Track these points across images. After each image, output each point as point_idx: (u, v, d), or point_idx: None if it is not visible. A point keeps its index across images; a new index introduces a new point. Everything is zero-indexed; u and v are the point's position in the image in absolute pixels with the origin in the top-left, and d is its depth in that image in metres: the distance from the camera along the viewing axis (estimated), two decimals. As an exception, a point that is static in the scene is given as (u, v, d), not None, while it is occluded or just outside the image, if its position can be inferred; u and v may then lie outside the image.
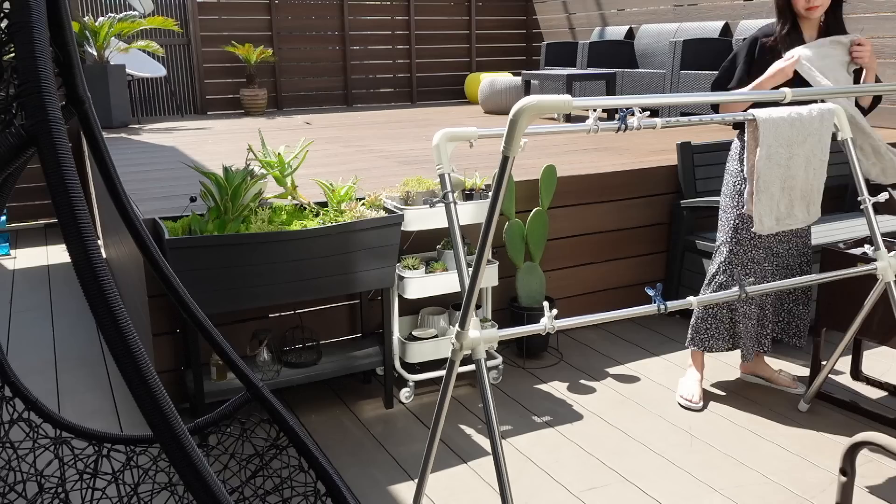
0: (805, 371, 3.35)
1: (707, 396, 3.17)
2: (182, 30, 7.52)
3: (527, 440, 2.84)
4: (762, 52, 2.84)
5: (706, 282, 3.08)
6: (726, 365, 3.46)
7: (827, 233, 3.84)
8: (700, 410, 3.04)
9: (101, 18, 6.22)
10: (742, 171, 2.91)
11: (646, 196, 3.99)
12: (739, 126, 2.93)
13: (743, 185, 2.90)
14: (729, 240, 2.98)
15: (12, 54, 1.06)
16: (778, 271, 3.04)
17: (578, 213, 3.85)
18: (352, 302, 3.36)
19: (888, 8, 5.16)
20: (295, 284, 2.79)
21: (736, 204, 2.96)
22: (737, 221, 2.97)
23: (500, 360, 3.35)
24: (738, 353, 3.59)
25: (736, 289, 2.35)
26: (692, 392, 3.10)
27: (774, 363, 3.48)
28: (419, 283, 3.07)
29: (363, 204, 3.03)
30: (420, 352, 3.15)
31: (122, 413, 3.11)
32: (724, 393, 3.20)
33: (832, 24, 2.84)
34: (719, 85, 2.96)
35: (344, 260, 2.84)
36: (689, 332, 3.11)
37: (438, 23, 8.73)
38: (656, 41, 6.90)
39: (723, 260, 3.00)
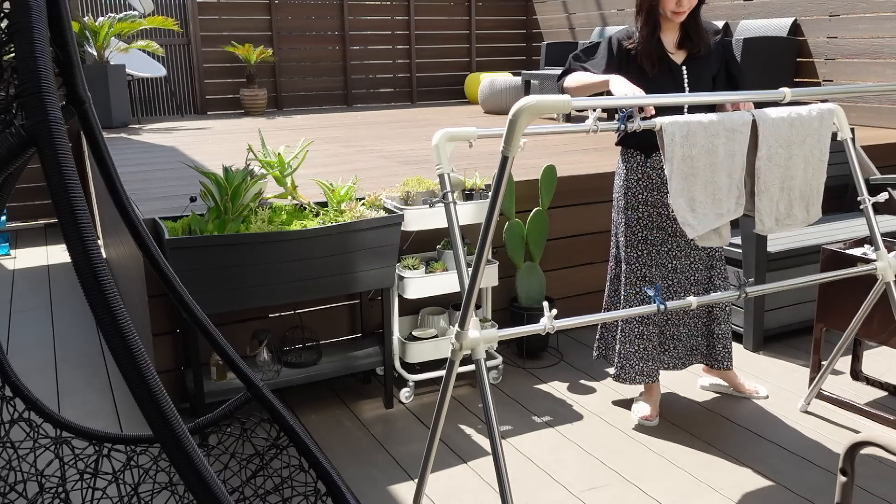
0: (805, 371, 3.35)
1: (707, 396, 3.17)
2: (182, 30, 7.52)
3: (527, 440, 2.84)
4: (621, 54, 2.73)
5: (611, 301, 2.99)
6: (726, 365, 3.47)
7: (827, 233, 3.85)
8: (656, 425, 2.93)
9: (101, 18, 6.22)
10: (622, 185, 2.83)
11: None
12: (624, 143, 2.82)
13: (622, 201, 2.83)
14: (621, 259, 2.88)
15: (12, 54, 1.06)
16: (683, 289, 2.86)
17: (578, 213, 3.85)
18: (352, 302, 3.36)
19: (888, 8, 5.16)
20: (295, 284, 2.79)
21: (624, 220, 2.83)
22: (621, 239, 2.87)
23: (500, 360, 3.35)
24: (739, 347, 3.60)
25: (734, 291, 2.34)
26: (646, 410, 2.97)
27: (774, 363, 3.48)
28: (419, 283, 3.07)
29: (363, 204, 3.03)
30: (420, 352, 3.15)
31: (123, 413, 3.11)
32: (723, 393, 3.19)
33: (692, 28, 2.74)
34: (567, 69, 2.86)
35: (344, 260, 2.85)
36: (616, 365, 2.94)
37: (438, 23, 8.73)
38: (656, 41, 6.89)
39: (625, 280, 2.86)
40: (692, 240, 2.70)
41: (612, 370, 2.99)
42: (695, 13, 2.74)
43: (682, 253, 2.85)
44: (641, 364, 2.88)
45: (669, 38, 2.75)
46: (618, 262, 2.94)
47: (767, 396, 3.14)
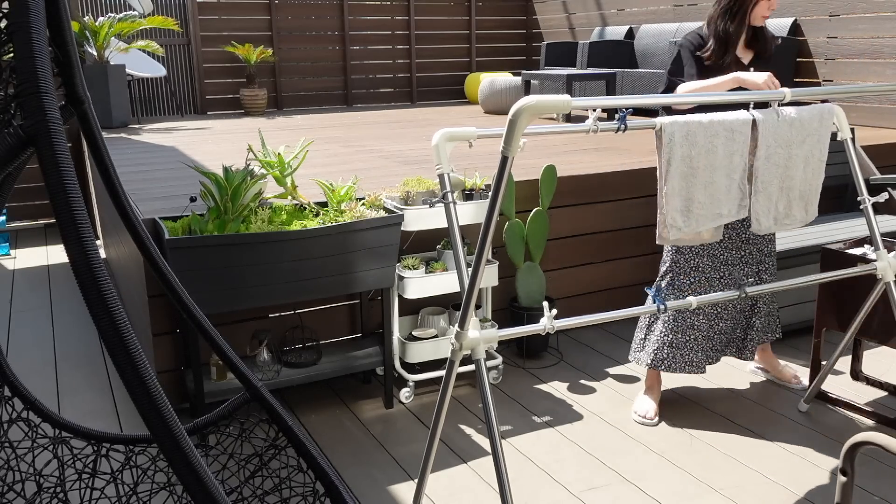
0: (805, 371, 3.35)
1: (707, 396, 3.17)
2: (182, 30, 7.52)
3: (527, 440, 2.84)
4: (698, 62, 2.84)
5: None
6: (726, 364, 3.46)
7: (827, 233, 3.84)
8: (656, 425, 2.93)
9: (101, 18, 6.22)
10: None
11: (646, 196, 3.99)
12: None
13: None
14: (670, 247, 2.92)
15: (11, 54, 1.06)
16: (733, 280, 2.91)
17: (578, 213, 3.85)
18: (352, 302, 3.36)
19: (888, 8, 5.16)
20: (295, 284, 2.79)
21: None
22: None
23: (500, 360, 3.35)
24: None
25: (734, 291, 2.34)
26: (647, 408, 2.98)
27: (774, 363, 3.48)
28: (419, 283, 3.07)
29: (363, 204, 3.03)
30: (420, 352, 3.15)
31: (122, 413, 3.11)
32: (723, 393, 3.19)
33: (759, 31, 2.86)
34: (668, 86, 2.91)
35: (344, 260, 2.84)
36: (655, 352, 2.94)
37: (438, 23, 8.73)
38: (656, 41, 6.90)
39: (666, 269, 2.91)
40: (746, 233, 2.89)
41: (646, 358, 2.95)
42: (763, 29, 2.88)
43: (734, 245, 2.91)
44: (692, 354, 2.91)
45: (747, 58, 2.89)
46: (669, 250, 2.96)
47: (801, 385, 3.19)
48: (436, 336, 3.22)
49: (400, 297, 3.16)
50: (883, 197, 2.65)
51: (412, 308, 3.40)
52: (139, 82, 7.51)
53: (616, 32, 7.39)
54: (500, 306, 3.64)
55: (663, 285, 2.91)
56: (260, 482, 1.66)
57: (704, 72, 2.82)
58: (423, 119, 6.83)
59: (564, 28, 8.36)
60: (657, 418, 2.96)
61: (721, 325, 2.98)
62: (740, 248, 2.94)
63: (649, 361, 2.94)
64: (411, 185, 3.16)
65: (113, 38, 6.26)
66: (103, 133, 1.47)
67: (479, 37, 8.90)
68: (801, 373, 3.36)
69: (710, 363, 3.00)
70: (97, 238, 5.53)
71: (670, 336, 2.91)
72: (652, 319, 2.99)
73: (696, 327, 2.92)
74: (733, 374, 3.38)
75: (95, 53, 6.17)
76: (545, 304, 2.05)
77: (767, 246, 3.00)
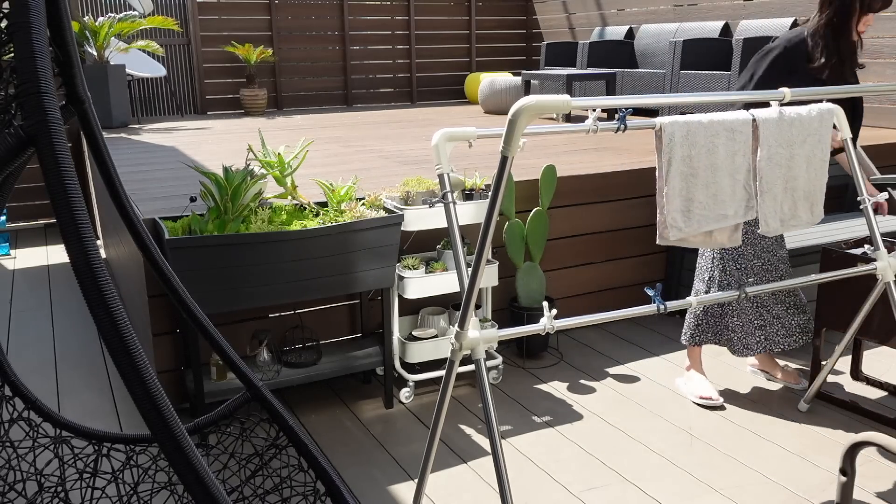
0: (805, 371, 3.35)
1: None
2: (182, 30, 7.52)
3: (527, 440, 2.84)
4: (793, 69, 2.85)
5: (703, 280, 3.08)
6: (727, 365, 3.46)
7: (827, 233, 3.84)
8: (723, 407, 3.05)
9: (101, 18, 6.22)
10: None
11: (646, 196, 3.99)
12: None
13: None
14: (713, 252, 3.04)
15: (12, 54, 1.06)
16: (774, 267, 3.05)
17: (578, 213, 3.85)
18: (352, 302, 3.36)
19: (888, 8, 5.15)
20: (295, 284, 2.79)
21: None
22: None
23: (499, 360, 3.35)
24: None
25: (734, 290, 2.34)
26: (709, 391, 3.09)
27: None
28: (419, 283, 3.07)
29: (363, 204, 3.03)
30: (420, 352, 3.15)
31: (122, 413, 3.11)
32: (724, 393, 3.19)
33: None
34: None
35: (344, 260, 2.85)
36: (688, 329, 3.12)
37: (438, 23, 8.73)
38: (656, 41, 6.90)
39: (716, 255, 3.02)
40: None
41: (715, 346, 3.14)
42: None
43: (758, 252, 3.01)
44: (760, 333, 3.03)
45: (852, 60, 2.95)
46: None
47: (801, 387, 3.20)
48: (436, 336, 3.22)
49: (400, 297, 3.16)
50: (883, 197, 2.65)
51: (412, 308, 3.40)
52: (139, 82, 7.51)
53: (616, 32, 7.39)
54: (500, 306, 3.64)
55: (716, 276, 3.02)
56: (261, 482, 1.66)
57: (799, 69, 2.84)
58: (423, 119, 6.84)
59: (564, 28, 8.36)
60: (721, 398, 3.08)
61: (776, 310, 3.06)
62: (760, 255, 3.03)
63: (733, 349, 3.10)
64: (411, 185, 3.16)
65: (113, 38, 6.26)
66: (103, 133, 1.47)
67: (479, 37, 8.90)
68: (800, 373, 3.36)
69: (785, 349, 3.10)
70: (97, 238, 5.53)
71: (735, 321, 3.06)
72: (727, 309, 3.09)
73: (741, 312, 3.03)
74: (733, 374, 3.38)
75: (95, 53, 6.17)
76: (545, 304, 2.05)
77: (783, 250, 3.08)
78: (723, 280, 3.02)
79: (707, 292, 3.05)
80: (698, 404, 3.08)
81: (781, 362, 3.37)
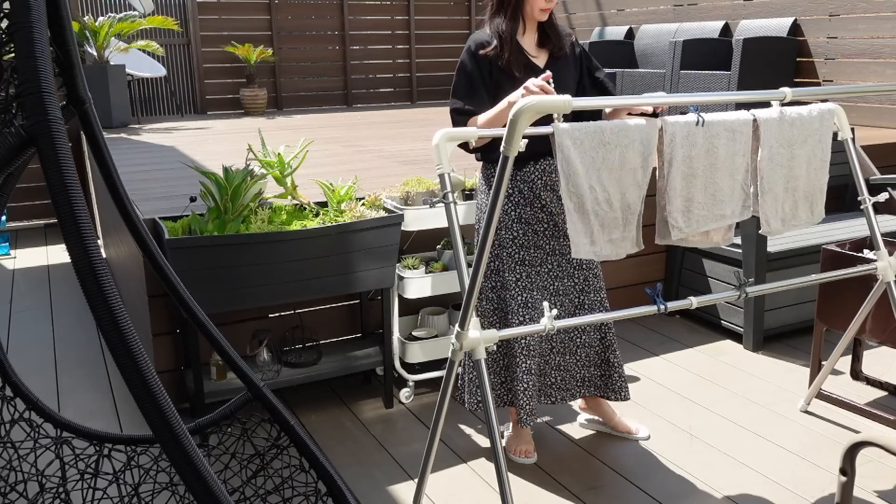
0: (805, 371, 3.35)
1: (707, 396, 3.17)
2: (182, 30, 7.52)
3: (527, 440, 2.84)
4: (482, 68, 2.50)
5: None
6: (725, 364, 3.47)
7: (827, 233, 3.85)
8: (534, 462, 2.69)
9: (101, 18, 6.22)
10: (487, 203, 2.54)
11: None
12: (486, 157, 2.59)
13: (489, 220, 2.35)
14: (497, 285, 2.58)
15: (12, 54, 1.06)
16: (567, 313, 2.62)
17: (578, 213, 3.84)
18: (352, 302, 3.36)
19: (888, 8, 5.16)
20: (295, 284, 2.79)
21: (497, 241, 2.55)
22: (496, 263, 2.57)
23: (500, 360, 3.34)
24: (739, 347, 3.60)
25: (734, 291, 2.34)
26: (525, 447, 2.71)
27: (774, 363, 3.48)
28: (419, 283, 3.07)
29: (363, 204, 3.03)
30: (420, 352, 3.15)
31: (123, 413, 3.11)
32: (724, 393, 3.20)
33: (550, 28, 2.59)
34: (459, 110, 2.61)
35: (344, 260, 2.85)
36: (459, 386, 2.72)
37: (438, 23, 8.73)
38: (656, 41, 6.90)
39: (512, 306, 2.56)
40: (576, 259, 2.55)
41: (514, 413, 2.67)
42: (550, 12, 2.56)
43: (565, 273, 2.61)
44: (530, 402, 2.59)
45: (528, 40, 2.55)
46: (501, 286, 2.58)
47: (648, 437, 2.81)
48: (436, 336, 3.22)
49: (400, 297, 3.16)
50: (883, 197, 2.65)
51: (412, 308, 3.40)
52: (139, 82, 7.51)
53: (616, 32, 7.39)
54: (500, 306, 3.64)
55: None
56: (262, 482, 1.66)
57: (485, 82, 2.51)
58: (423, 119, 6.83)
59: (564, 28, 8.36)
60: (535, 454, 2.71)
61: (558, 359, 2.68)
62: (572, 275, 2.62)
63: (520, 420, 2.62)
64: (411, 185, 3.16)
65: (113, 38, 6.26)
66: (103, 133, 1.47)
67: (479, 37, 8.90)
68: (800, 373, 3.36)
69: (556, 402, 2.72)
70: (97, 238, 5.53)
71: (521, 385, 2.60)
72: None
73: (532, 371, 2.59)
74: (733, 373, 3.38)
75: (95, 53, 6.17)
76: (545, 304, 2.05)
77: (594, 271, 2.67)
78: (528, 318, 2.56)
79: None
80: (512, 460, 2.70)
81: (618, 413, 2.89)
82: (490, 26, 2.53)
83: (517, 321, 2.54)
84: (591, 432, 2.89)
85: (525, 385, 2.57)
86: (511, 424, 2.79)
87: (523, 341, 2.55)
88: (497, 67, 2.49)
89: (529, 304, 2.55)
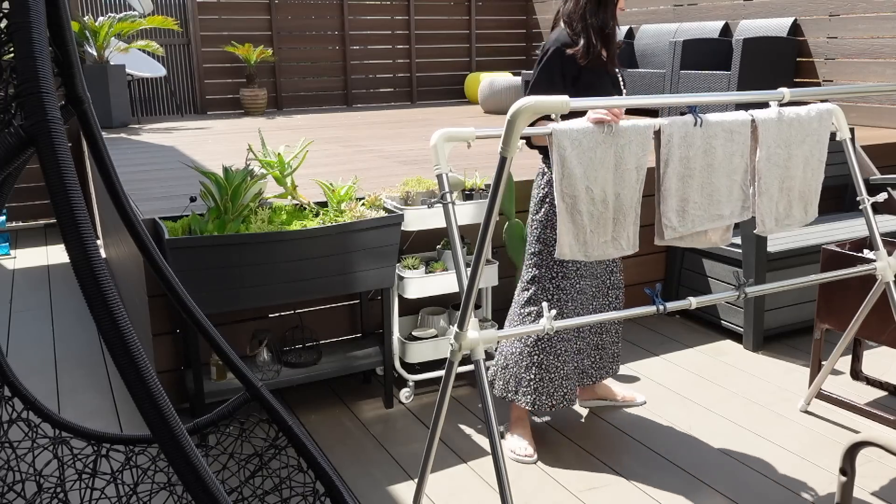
0: (805, 371, 3.35)
1: (707, 396, 3.17)
2: (182, 30, 7.52)
3: (526, 440, 2.84)
4: (566, 66, 2.50)
5: (526, 314, 2.68)
6: (725, 364, 3.47)
7: (827, 233, 3.84)
8: (535, 462, 2.70)
9: (101, 18, 6.22)
10: (546, 198, 2.59)
11: (645, 196, 3.98)
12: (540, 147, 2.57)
13: (550, 215, 2.55)
14: (556, 275, 2.64)
15: (12, 54, 1.06)
16: (585, 310, 2.72)
17: (578, 213, 3.84)
18: (352, 302, 3.36)
19: (888, 8, 5.16)
20: (295, 284, 2.79)
21: (549, 237, 2.60)
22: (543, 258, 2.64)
23: (499, 360, 3.34)
24: (739, 347, 3.60)
25: (734, 291, 2.34)
26: (524, 445, 2.74)
27: (774, 363, 3.48)
28: (419, 283, 3.07)
29: (363, 204, 3.03)
30: (420, 352, 3.15)
31: (122, 413, 3.11)
32: (724, 393, 3.20)
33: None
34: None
35: (344, 260, 2.85)
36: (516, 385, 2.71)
37: (438, 23, 8.73)
38: (656, 41, 6.90)
39: (533, 301, 2.66)
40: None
41: (525, 404, 2.70)
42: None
43: (589, 273, 2.71)
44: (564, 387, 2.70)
45: (611, 51, 2.59)
46: (562, 276, 2.65)
47: (645, 402, 3.01)
48: (436, 336, 3.22)
49: (400, 297, 3.16)
50: (882, 197, 2.65)
51: (412, 308, 3.40)
52: (139, 82, 7.51)
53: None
54: (500, 306, 3.63)
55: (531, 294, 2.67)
56: (260, 482, 1.66)
57: (566, 81, 2.51)
58: (423, 119, 6.84)
59: (564, 28, 8.36)
60: (535, 453, 2.73)
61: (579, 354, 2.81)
62: (595, 275, 2.73)
63: (532, 408, 2.71)
64: (411, 185, 3.16)
65: (113, 38, 6.26)
66: (103, 133, 1.47)
67: (479, 37, 8.90)
68: (800, 373, 3.36)
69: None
70: (97, 238, 5.53)
71: (541, 374, 2.68)
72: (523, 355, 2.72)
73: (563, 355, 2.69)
74: (733, 373, 3.38)
75: (95, 53, 6.17)
76: (545, 304, 2.05)
77: (617, 277, 2.81)
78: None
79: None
80: (511, 459, 2.72)
81: (618, 384, 3.16)
82: (577, 26, 2.55)
83: (572, 307, 2.65)
84: (592, 432, 2.89)
85: (574, 365, 2.74)
86: (516, 423, 2.80)
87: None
88: (577, 67, 2.52)
89: (584, 291, 2.70)
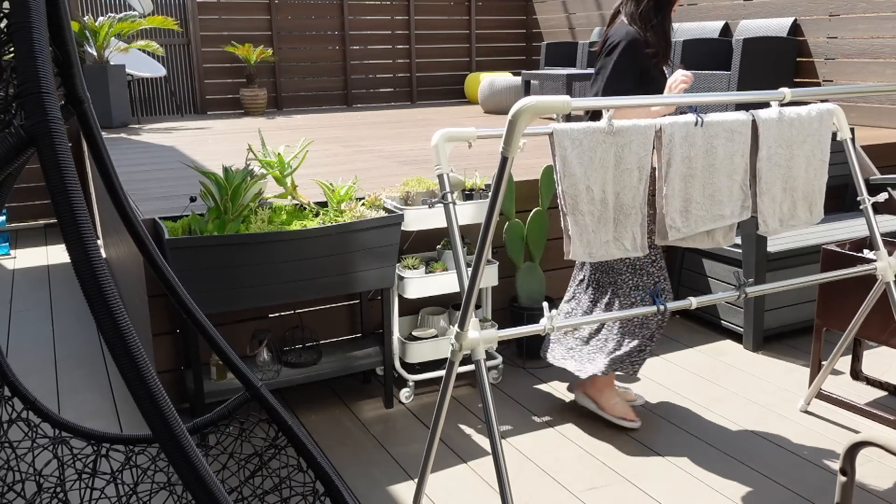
0: (805, 371, 3.35)
1: (707, 396, 3.17)
2: (182, 30, 7.52)
3: (527, 440, 2.84)
4: (638, 64, 2.65)
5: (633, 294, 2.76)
6: (725, 364, 3.47)
7: (827, 233, 3.84)
8: (638, 428, 2.88)
9: (101, 18, 6.22)
10: None
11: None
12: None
13: None
14: (646, 263, 2.74)
15: (12, 54, 1.06)
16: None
17: (578, 213, 3.84)
18: (352, 302, 3.36)
19: (888, 8, 5.16)
20: (295, 284, 2.79)
21: None
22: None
23: (500, 360, 3.35)
24: (739, 347, 3.60)
25: (734, 291, 2.34)
26: (626, 410, 2.92)
27: (774, 363, 3.48)
28: (419, 283, 3.07)
29: (363, 204, 3.03)
30: (420, 352, 3.15)
31: (122, 413, 3.11)
32: (724, 393, 3.20)
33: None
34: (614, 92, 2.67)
35: (344, 260, 2.85)
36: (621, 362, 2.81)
37: (438, 23, 8.73)
38: (656, 41, 6.89)
39: (623, 287, 2.75)
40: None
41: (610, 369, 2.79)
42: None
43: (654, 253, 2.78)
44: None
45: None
46: (651, 263, 2.74)
47: (644, 402, 3.04)
48: (436, 336, 3.22)
49: (400, 297, 3.16)
50: (883, 197, 2.65)
51: (412, 308, 3.40)
52: (139, 82, 7.51)
53: (616, 32, 7.38)
54: (500, 306, 3.64)
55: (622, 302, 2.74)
56: (260, 482, 1.66)
57: (643, 73, 2.67)
58: (423, 119, 6.83)
59: (564, 28, 8.36)
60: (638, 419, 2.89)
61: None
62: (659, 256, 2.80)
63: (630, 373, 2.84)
64: (411, 185, 3.16)
65: (113, 38, 6.25)
66: (103, 133, 1.47)
67: (479, 37, 8.90)
68: (800, 373, 3.36)
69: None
70: (97, 238, 5.53)
71: (636, 342, 2.78)
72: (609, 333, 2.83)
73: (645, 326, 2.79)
74: (733, 373, 3.38)
75: (95, 53, 6.17)
76: (545, 304, 2.05)
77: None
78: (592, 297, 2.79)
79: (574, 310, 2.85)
80: (619, 424, 2.89)
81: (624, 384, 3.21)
82: (648, 22, 2.67)
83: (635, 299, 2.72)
84: (591, 431, 2.89)
85: (647, 334, 2.78)
86: (603, 392, 2.92)
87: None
88: (648, 64, 2.67)
89: (639, 287, 2.74)
